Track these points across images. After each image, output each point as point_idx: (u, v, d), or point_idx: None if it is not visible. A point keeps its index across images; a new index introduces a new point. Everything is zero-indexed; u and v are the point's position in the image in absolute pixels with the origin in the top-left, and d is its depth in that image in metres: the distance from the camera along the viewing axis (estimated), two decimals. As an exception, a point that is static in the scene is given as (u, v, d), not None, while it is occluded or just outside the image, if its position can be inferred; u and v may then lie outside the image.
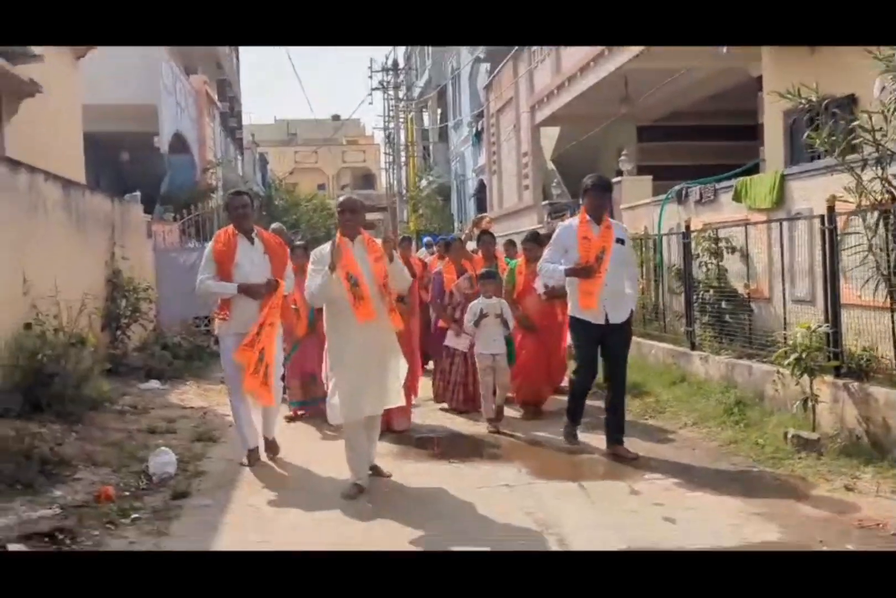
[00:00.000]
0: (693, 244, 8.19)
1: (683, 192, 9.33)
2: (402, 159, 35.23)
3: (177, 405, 7.98)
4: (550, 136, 18.38)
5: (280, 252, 5.84)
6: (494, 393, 6.78)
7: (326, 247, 5.14)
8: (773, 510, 4.44)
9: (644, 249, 9.58)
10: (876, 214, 5.47)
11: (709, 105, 14.03)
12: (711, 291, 8.03)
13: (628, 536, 4.05)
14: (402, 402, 5.50)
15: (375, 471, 5.34)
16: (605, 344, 5.75)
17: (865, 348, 5.85)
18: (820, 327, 5.75)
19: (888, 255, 5.37)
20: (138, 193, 12.16)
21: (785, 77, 9.20)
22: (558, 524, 4.29)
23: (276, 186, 39.57)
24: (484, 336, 6.75)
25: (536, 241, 7.32)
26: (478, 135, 24.80)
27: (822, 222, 5.92)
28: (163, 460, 5.54)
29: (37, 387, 6.47)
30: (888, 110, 5.39)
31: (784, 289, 7.10)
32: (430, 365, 8.42)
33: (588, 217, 5.78)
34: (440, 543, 4.03)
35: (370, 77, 31.81)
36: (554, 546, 3.97)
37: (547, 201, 15.56)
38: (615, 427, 5.78)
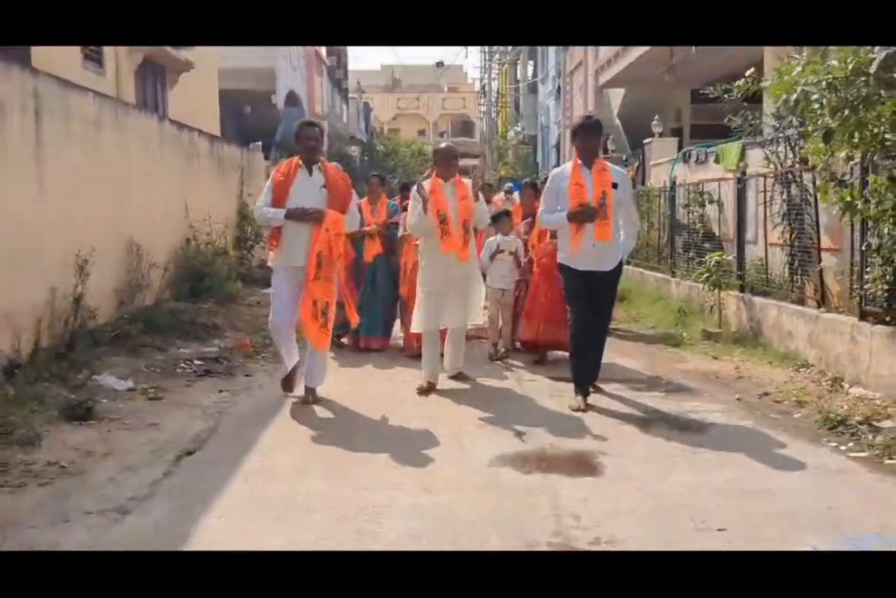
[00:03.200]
0: (680, 196, 10.54)
1: (687, 154, 11.60)
2: (495, 110, 37.50)
3: (287, 304, 10.94)
4: (617, 95, 20.47)
5: (341, 187, 5.58)
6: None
7: (424, 184, 5.86)
8: (655, 365, 7.01)
9: (654, 199, 11.94)
10: (773, 177, 7.80)
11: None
12: (691, 233, 10.39)
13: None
14: (480, 321, 6.48)
15: (460, 376, 6.30)
16: (593, 290, 5.55)
17: (771, 273, 8.18)
18: (728, 256, 8.16)
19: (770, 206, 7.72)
20: (260, 143, 15.10)
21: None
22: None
23: (377, 133, 42.37)
24: (495, 271, 7.21)
25: (534, 188, 7.98)
26: (559, 90, 26.82)
27: (736, 183, 8.27)
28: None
29: (195, 282, 9.49)
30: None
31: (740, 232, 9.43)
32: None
33: (580, 161, 5.52)
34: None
35: (467, 32, 33.82)
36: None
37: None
38: (591, 365, 5.70)
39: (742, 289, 8.16)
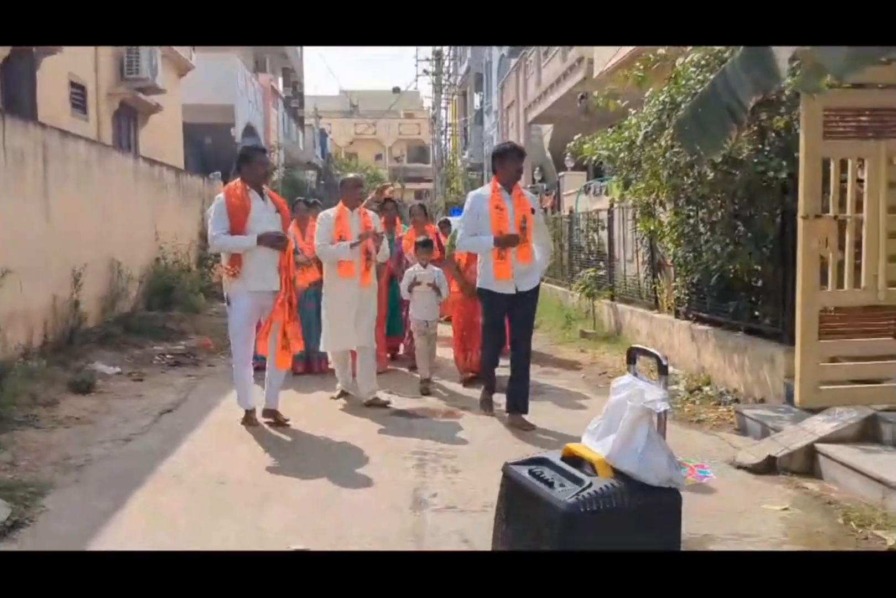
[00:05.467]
0: (579, 223, 12.54)
1: (588, 187, 13.63)
2: (447, 137, 39.66)
3: (243, 314, 12.70)
4: (548, 130, 22.60)
5: (287, 210, 5.82)
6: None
7: (331, 212, 6.33)
8: (536, 356, 8.89)
9: (560, 225, 13.95)
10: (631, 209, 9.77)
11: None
12: (587, 254, 12.37)
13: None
14: (372, 345, 6.45)
15: (375, 402, 6.39)
16: (513, 313, 5.70)
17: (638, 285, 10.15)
18: (599, 271, 10.14)
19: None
20: (219, 173, 16.87)
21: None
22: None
23: (333, 158, 44.20)
24: (417, 303, 7.10)
25: (424, 211, 8.51)
26: (500, 122, 28.98)
27: (607, 214, 10.26)
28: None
29: (164, 294, 11.21)
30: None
31: (621, 253, 11.43)
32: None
33: (500, 186, 5.59)
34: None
35: (416, 65, 36.09)
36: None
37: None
38: (518, 396, 5.75)
39: (612, 298, 10.13)
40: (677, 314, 7.84)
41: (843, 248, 4.69)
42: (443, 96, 37.73)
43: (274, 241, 5.40)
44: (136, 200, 10.86)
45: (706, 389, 6.69)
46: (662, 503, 2.45)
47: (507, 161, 5.59)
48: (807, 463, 4.67)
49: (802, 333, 4.63)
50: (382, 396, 6.62)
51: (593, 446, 2.54)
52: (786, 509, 4.15)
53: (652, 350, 2.89)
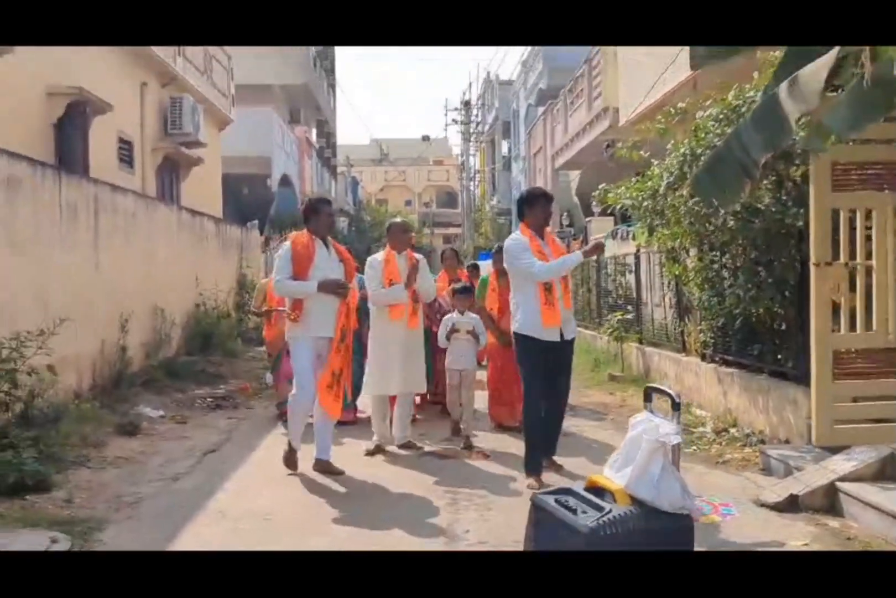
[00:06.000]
0: (607, 267, 12.80)
1: (615, 232, 13.92)
2: (475, 183, 40.33)
3: (279, 358, 13.05)
4: (574, 176, 23.03)
5: (351, 262, 5.86)
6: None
7: (379, 256, 6.40)
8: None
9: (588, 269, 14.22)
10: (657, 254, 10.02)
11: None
12: (615, 297, 12.59)
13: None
14: (423, 389, 6.64)
15: (409, 445, 6.47)
16: (552, 361, 5.48)
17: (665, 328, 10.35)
18: (626, 315, 10.35)
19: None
20: (256, 222, 17.44)
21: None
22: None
23: (364, 205, 45.03)
24: (454, 351, 6.78)
25: (457, 255, 8.78)
26: (528, 169, 29.50)
27: (634, 258, 10.51)
28: (270, 377, 10.54)
29: (204, 339, 11.60)
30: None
31: (648, 296, 11.65)
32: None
33: (532, 232, 5.53)
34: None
35: (445, 114, 36.96)
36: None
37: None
38: (549, 439, 5.75)
39: (640, 341, 10.33)
40: (704, 357, 8.02)
41: (856, 292, 4.92)
42: (471, 144, 38.47)
43: (334, 288, 5.52)
44: (178, 249, 11.33)
45: (732, 430, 6.85)
46: (676, 527, 2.68)
47: (537, 207, 5.57)
48: (827, 501, 4.83)
49: (817, 374, 4.83)
50: (416, 442, 6.69)
51: (613, 477, 2.79)
52: (806, 544, 4.31)
53: (665, 389, 3.15)
